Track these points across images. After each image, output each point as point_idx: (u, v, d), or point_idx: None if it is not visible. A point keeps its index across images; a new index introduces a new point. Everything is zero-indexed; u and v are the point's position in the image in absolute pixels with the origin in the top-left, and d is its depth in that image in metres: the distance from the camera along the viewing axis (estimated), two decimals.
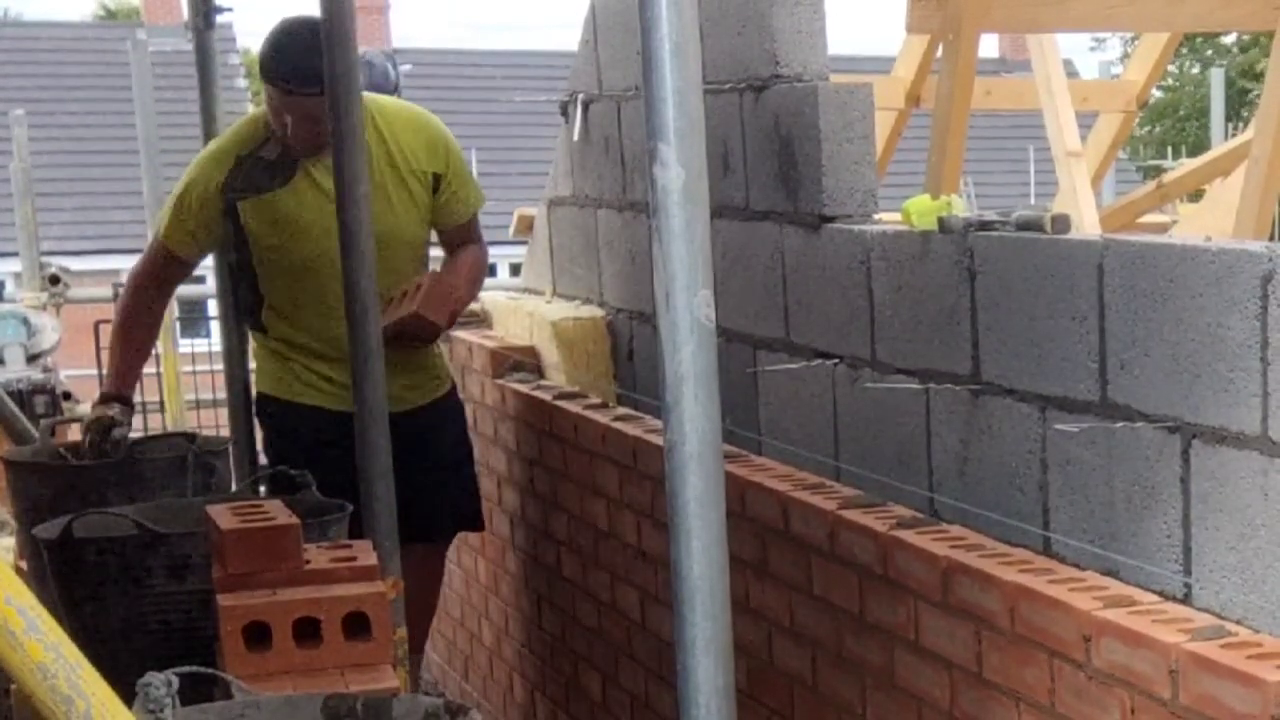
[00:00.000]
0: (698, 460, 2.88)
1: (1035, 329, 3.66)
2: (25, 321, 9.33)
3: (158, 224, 5.67)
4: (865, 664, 3.99)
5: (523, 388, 6.06)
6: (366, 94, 5.18)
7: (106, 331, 11.72)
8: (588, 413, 5.53)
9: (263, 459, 6.10)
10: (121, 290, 5.86)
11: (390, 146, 5.56)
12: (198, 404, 11.49)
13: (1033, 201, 24.45)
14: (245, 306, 5.82)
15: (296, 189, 5.47)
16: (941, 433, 4.03)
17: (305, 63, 5.09)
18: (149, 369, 11.67)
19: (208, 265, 6.38)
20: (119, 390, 5.60)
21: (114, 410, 5.44)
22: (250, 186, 5.47)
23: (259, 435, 6.11)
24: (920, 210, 4.04)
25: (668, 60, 2.80)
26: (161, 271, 5.72)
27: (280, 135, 5.43)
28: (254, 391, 6.00)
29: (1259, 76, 26.67)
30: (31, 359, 9.02)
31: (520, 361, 6.20)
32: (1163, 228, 9.00)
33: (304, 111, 5.29)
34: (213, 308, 8.25)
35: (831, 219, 4.47)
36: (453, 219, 5.77)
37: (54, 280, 11.99)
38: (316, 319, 5.53)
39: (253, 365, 6.12)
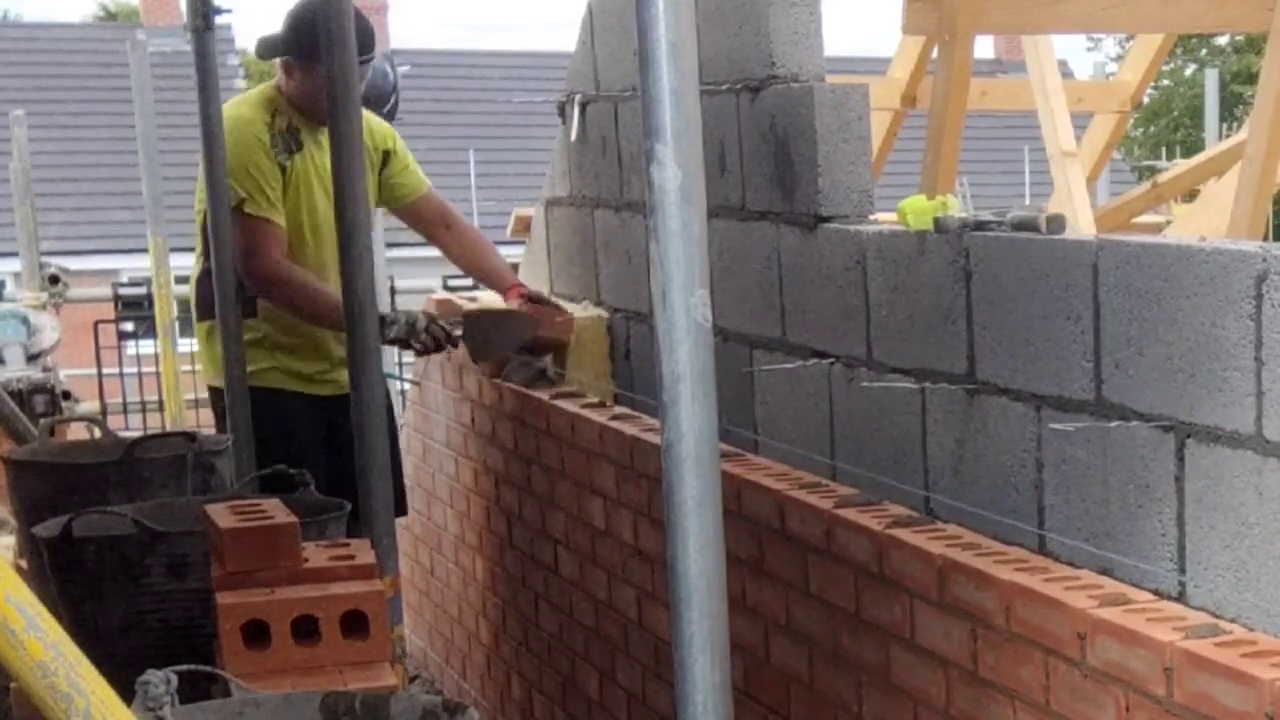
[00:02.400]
0: (694, 459, 2.89)
1: (1030, 329, 3.68)
2: (25, 321, 9.34)
3: (256, 210, 5.83)
4: (861, 662, 4.00)
5: (520, 386, 6.07)
6: None
7: (106, 331, 11.79)
8: (585, 412, 5.54)
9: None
10: (274, 285, 5.91)
11: None
12: (196, 403, 11.48)
13: (1028, 202, 24.45)
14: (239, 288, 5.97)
15: (304, 156, 5.91)
16: (937, 432, 4.04)
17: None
18: (148, 369, 11.74)
19: None
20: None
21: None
22: (283, 148, 5.90)
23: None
24: (916, 210, 4.05)
25: (664, 60, 2.81)
26: (285, 246, 5.90)
27: (298, 105, 5.89)
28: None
29: (1252, 79, 26.67)
30: (31, 358, 9.02)
31: (543, 370, 6.14)
32: (1157, 228, 9.01)
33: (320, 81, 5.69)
34: None
35: (828, 219, 4.48)
36: (412, 192, 6.29)
37: (53, 280, 12.01)
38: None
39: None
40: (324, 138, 5.78)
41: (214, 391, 6.18)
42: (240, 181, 5.81)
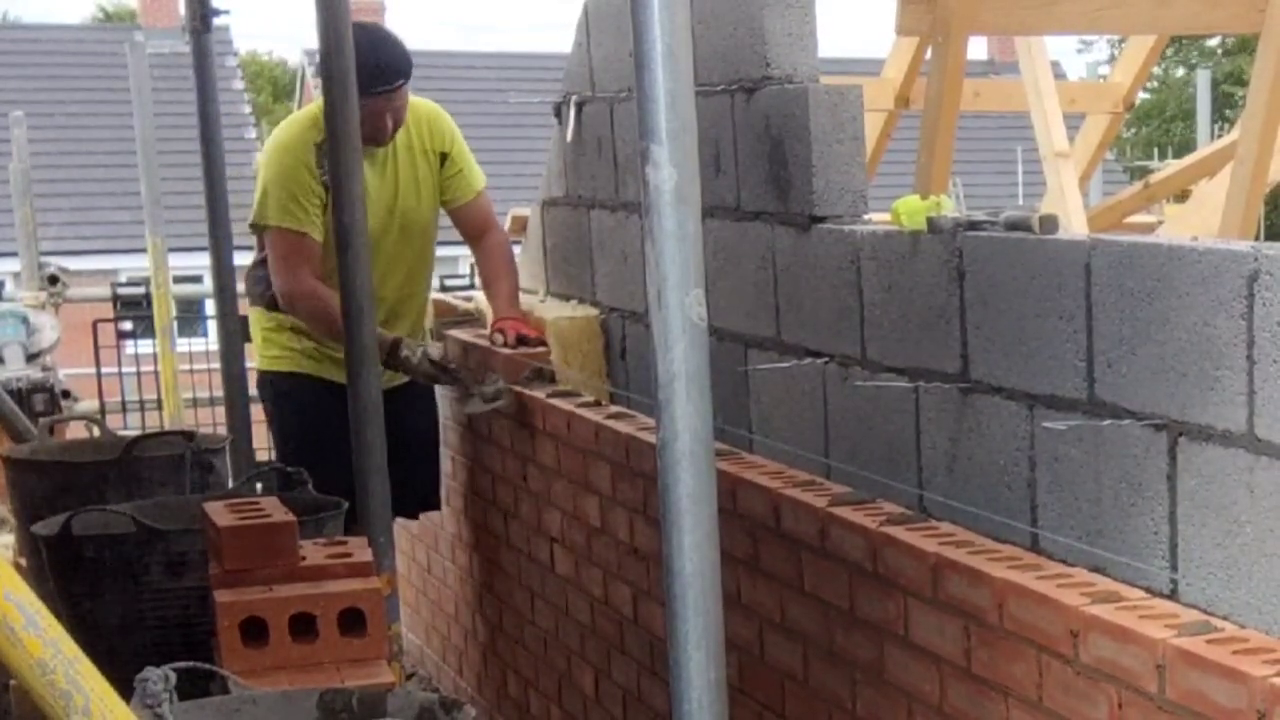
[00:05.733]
0: (690, 458, 2.91)
1: (1023, 328, 3.69)
2: (25, 320, 9.37)
3: (293, 224, 5.90)
4: (855, 659, 4.02)
5: (516, 386, 6.08)
6: None
7: (105, 331, 11.80)
8: (581, 411, 5.55)
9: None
10: (298, 299, 5.97)
11: (411, 131, 6.13)
12: (194, 402, 11.51)
13: (1021, 202, 24.44)
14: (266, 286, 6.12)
15: None
16: (931, 430, 4.06)
17: (397, 56, 5.75)
18: (147, 368, 11.75)
19: (204, 265, 6.43)
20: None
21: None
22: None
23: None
24: (910, 210, 4.06)
25: (660, 62, 2.82)
26: (318, 260, 5.94)
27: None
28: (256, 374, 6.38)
29: (1243, 81, 26.66)
30: (31, 358, 9.06)
31: (540, 369, 6.15)
32: (1149, 228, 9.01)
33: (390, 103, 5.81)
34: (209, 307, 8.29)
35: (822, 219, 4.49)
36: (459, 196, 6.34)
37: (53, 280, 12.02)
38: None
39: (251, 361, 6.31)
40: (375, 154, 5.92)
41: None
42: (278, 197, 5.90)
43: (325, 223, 5.84)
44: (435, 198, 6.30)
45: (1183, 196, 10.12)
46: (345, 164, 4.68)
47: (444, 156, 6.26)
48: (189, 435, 5.45)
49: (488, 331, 6.46)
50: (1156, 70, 39.75)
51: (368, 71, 5.54)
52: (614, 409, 5.55)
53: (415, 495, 6.31)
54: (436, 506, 6.82)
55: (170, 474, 5.03)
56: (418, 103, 6.28)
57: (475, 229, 6.44)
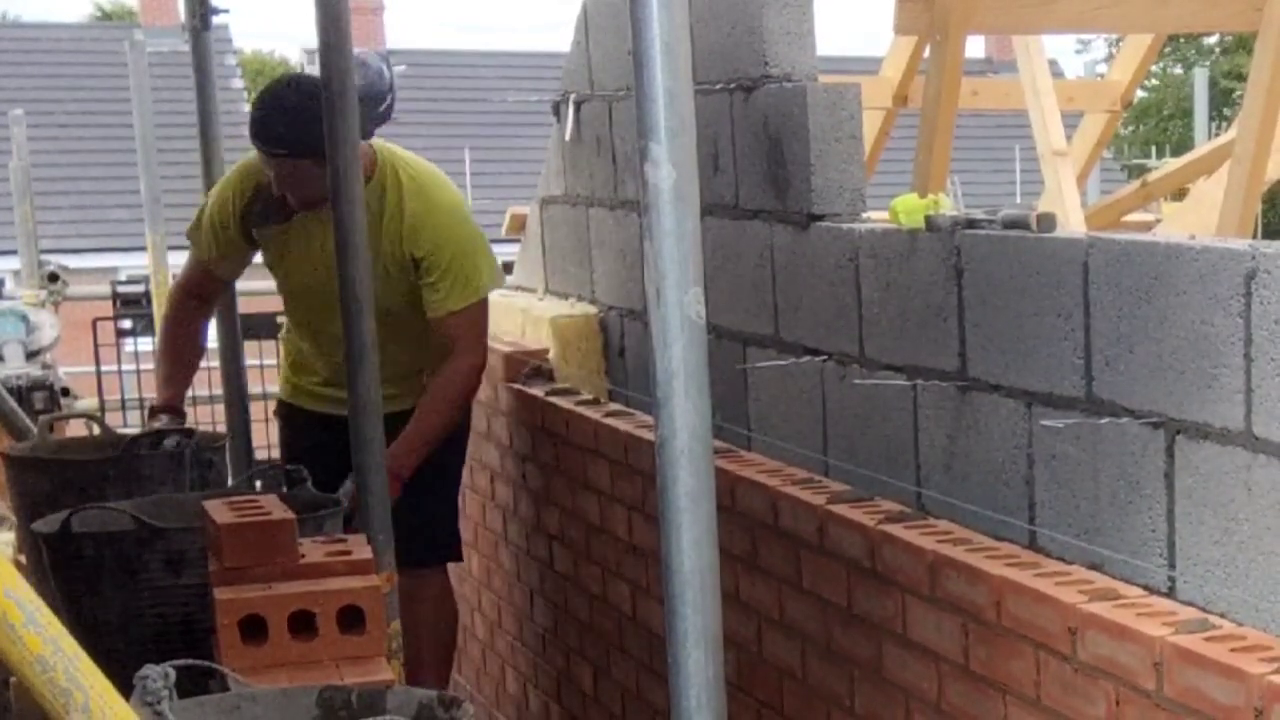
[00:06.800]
0: (688, 455, 2.91)
1: (1021, 326, 3.70)
2: (24, 318, 9.37)
3: (190, 238, 5.84)
4: (854, 656, 4.03)
5: (515, 384, 6.09)
6: (396, 149, 5.54)
7: (104, 329, 11.81)
8: (580, 409, 5.56)
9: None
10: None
11: (386, 217, 5.44)
12: (194, 401, 11.48)
13: (1019, 200, 24.44)
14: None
15: (293, 226, 5.56)
16: (929, 428, 4.06)
17: (274, 122, 5.26)
18: (146, 366, 11.73)
19: None
20: (167, 402, 5.71)
21: (160, 421, 5.48)
22: (263, 216, 5.60)
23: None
24: (908, 209, 4.07)
25: (659, 60, 2.83)
26: (198, 286, 5.88)
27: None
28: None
29: (1240, 79, 26.67)
30: (30, 355, 9.06)
31: (539, 367, 6.13)
32: (1147, 226, 9.02)
33: (275, 170, 5.35)
34: None
35: (820, 217, 4.50)
36: (428, 310, 5.49)
37: (52, 278, 12.04)
38: (308, 335, 5.79)
39: None
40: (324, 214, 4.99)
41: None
42: (196, 221, 5.75)
43: (245, 258, 5.78)
44: (412, 292, 5.48)
45: (1180, 195, 10.12)
46: (344, 168, 4.67)
47: (418, 261, 5.43)
48: (188, 433, 5.44)
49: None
50: (1154, 68, 39.76)
51: (252, 118, 5.38)
52: (612, 407, 5.56)
53: (423, 540, 5.52)
54: (456, 556, 5.98)
55: (170, 472, 5.03)
56: (414, 191, 5.50)
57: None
